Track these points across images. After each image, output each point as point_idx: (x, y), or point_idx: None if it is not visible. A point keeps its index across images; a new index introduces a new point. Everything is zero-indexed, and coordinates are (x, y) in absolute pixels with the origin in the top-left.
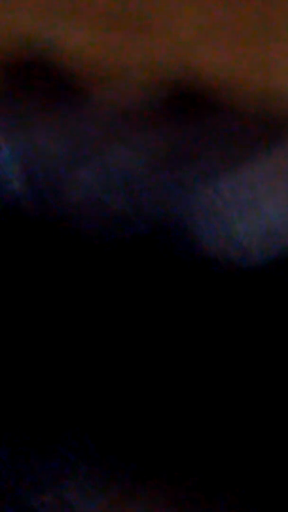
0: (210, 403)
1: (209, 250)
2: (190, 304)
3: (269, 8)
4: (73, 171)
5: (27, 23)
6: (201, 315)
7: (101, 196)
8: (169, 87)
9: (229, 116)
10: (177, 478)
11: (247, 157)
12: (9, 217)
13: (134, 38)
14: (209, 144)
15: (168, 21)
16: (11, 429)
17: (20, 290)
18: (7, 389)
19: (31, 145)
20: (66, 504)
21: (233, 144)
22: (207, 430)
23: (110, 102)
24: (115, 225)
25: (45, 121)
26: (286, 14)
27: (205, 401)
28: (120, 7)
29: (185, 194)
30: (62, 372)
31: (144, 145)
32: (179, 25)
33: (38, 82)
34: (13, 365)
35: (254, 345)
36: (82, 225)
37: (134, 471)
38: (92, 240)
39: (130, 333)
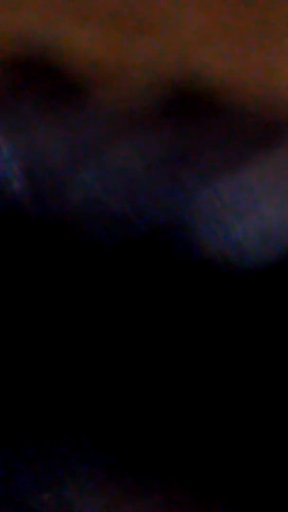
0: (209, 404)
1: (208, 251)
2: (188, 305)
3: (270, 10)
4: (73, 171)
5: (27, 23)
6: (199, 316)
7: (101, 196)
8: (169, 88)
9: (229, 118)
10: (176, 478)
11: (247, 158)
12: (9, 217)
13: (135, 39)
14: (208, 146)
15: (169, 22)
16: (11, 429)
17: (20, 290)
18: (7, 389)
19: (31, 145)
20: (65, 504)
21: (232, 145)
22: (206, 431)
23: (111, 103)
24: (115, 225)
25: (45, 121)
26: (286, 16)
27: (204, 402)
28: (121, 7)
29: (184, 195)
30: (61, 372)
31: (144, 146)
32: (180, 26)
33: (38, 81)
34: (13, 365)
35: (253, 346)
36: (82, 225)
37: (134, 471)
38: (92, 240)
39: (129, 333)
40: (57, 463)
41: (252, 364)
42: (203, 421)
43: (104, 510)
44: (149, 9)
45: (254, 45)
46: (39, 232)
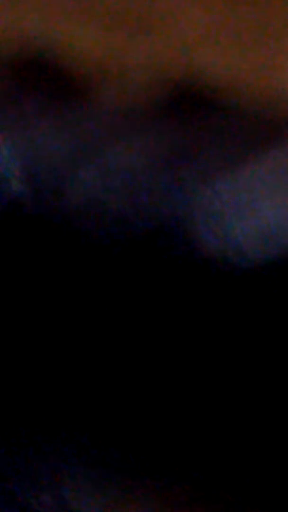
0: (209, 403)
1: (207, 250)
2: (188, 304)
3: (271, 10)
4: (73, 171)
5: (28, 23)
6: (199, 315)
7: (101, 195)
8: (170, 88)
9: (230, 117)
10: (175, 478)
11: (247, 158)
12: (9, 217)
13: (136, 39)
14: (209, 145)
15: (170, 22)
16: (10, 429)
17: (20, 289)
18: (6, 389)
19: (31, 145)
20: (64, 503)
21: (233, 145)
22: (206, 430)
23: (111, 102)
24: (115, 224)
25: (46, 120)
26: (286, 16)
27: (204, 401)
28: (122, 7)
29: (184, 195)
30: (61, 372)
31: (144, 145)
32: (181, 25)
33: (39, 81)
34: (12, 365)
35: (253, 345)
36: (82, 225)
37: (133, 470)
38: (92, 240)
39: (129, 332)
40: (57, 463)
41: (252, 363)
42: (203, 421)
43: (104, 510)
44: (150, 9)
45: (255, 44)
46: (39, 231)
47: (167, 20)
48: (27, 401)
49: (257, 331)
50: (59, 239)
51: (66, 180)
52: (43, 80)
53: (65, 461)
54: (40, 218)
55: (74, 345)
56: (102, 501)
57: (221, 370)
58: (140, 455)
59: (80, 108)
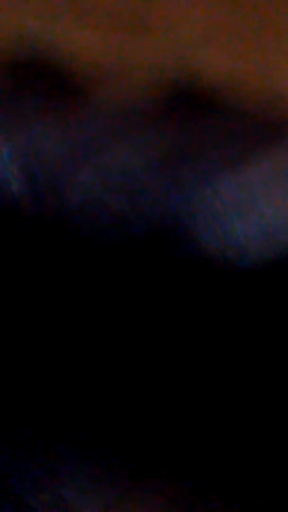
0: (208, 403)
1: (208, 250)
2: (188, 304)
3: (270, 9)
4: (72, 171)
5: (28, 23)
6: (199, 315)
7: (101, 196)
8: (169, 88)
9: (229, 117)
10: (175, 478)
11: (247, 157)
12: (9, 217)
13: (135, 39)
14: (208, 145)
15: (169, 22)
16: (10, 428)
17: (19, 290)
18: (7, 389)
19: (31, 145)
20: (64, 503)
21: (232, 144)
22: (205, 430)
23: (111, 102)
24: (115, 225)
25: (45, 121)
26: (287, 16)
27: (204, 401)
28: (121, 7)
29: (184, 195)
30: (61, 372)
31: (144, 145)
32: (180, 25)
33: (38, 81)
34: (13, 365)
35: (252, 344)
36: (82, 225)
37: (133, 470)
38: (92, 240)
39: (129, 332)
40: (56, 462)
41: (252, 362)
42: (203, 421)
43: (104, 510)
44: (149, 9)
45: (254, 44)
46: (39, 231)
47: (167, 20)
48: (27, 401)
49: (258, 330)
50: (59, 239)
51: (65, 180)
52: (43, 80)
53: (66, 461)
54: (39, 218)
55: (74, 345)
56: (102, 501)
57: (221, 369)
58: (140, 455)
59: (79, 108)
